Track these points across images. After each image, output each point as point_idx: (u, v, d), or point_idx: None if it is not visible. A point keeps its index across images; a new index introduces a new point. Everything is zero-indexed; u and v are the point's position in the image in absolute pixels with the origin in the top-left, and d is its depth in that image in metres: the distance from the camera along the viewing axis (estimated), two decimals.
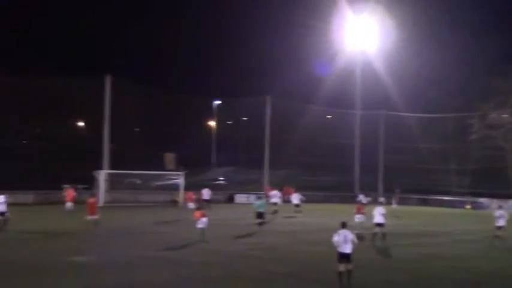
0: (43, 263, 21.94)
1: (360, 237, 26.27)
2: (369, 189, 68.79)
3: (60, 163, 60.03)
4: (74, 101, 61.55)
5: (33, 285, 18.48)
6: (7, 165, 54.50)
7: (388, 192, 67.67)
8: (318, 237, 30.90)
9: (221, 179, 78.85)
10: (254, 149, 71.28)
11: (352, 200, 56.69)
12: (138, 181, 65.06)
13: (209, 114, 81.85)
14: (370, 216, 31.79)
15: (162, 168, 65.75)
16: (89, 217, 32.69)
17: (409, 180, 68.69)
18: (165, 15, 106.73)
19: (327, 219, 43.01)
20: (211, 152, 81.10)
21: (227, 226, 36.46)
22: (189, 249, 26.38)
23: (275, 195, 48.16)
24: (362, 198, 46.90)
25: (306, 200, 50.29)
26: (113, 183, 58.19)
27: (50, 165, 59.74)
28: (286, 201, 49.94)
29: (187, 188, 55.80)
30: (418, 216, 50.60)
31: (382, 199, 52.53)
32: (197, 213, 30.23)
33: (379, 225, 30.21)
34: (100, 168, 56.80)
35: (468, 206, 64.81)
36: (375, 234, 30.11)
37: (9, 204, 32.46)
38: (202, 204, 44.82)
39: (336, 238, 19.03)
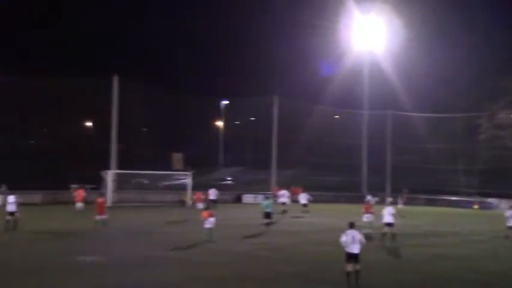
0: (52, 263, 21.99)
1: (368, 237, 26.24)
2: (377, 189, 68.66)
3: (68, 163, 60.18)
4: (82, 101, 61.59)
5: (42, 284, 18.51)
6: (15, 165, 54.69)
7: (396, 193, 67.40)
8: (326, 238, 30.85)
9: (228, 179, 78.83)
10: (261, 149, 71.26)
11: (360, 200, 56.56)
12: (146, 181, 65.16)
13: (217, 114, 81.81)
14: (379, 216, 31.68)
15: (169, 168, 65.65)
16: (98, 217, 32.81)
17: (417, 180, 68.44)
18: (172, 15, 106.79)
19: (335, 219, 42.95)
20: (218, 152, 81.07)
21: (234, 226, 36.44)
22: (197, 249, 26.38)
23: (284, 195, 48.12)
24: (370, 198, 46.78)
25: (314, 200, 50.23)
26: (121, 183, 58.32)
27: (58, 165, 59.88)
28: (294, 201, 49.90)
29: (195, 188, 55.86)
30: (426, 217, 50.47)
31: (390, 199, 52.23)
32: (204, 213, 30.22)
33: (388, 225, 30.09)
34: (108, 168, 56.95)
35: (476, 206, 64.63)
36: (384, 234, 30.00)
37: (18, 204, 32.51)
38: (209, 204, 44.84)
39: (343, 238, 18.99)
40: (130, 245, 27.17)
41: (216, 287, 19.06)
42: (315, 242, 30.38)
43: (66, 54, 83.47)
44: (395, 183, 72.28)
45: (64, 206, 47.87)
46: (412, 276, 21.33)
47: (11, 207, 31.85)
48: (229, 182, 77.54)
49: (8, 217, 31.57)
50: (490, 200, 64.75)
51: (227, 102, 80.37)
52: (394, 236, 29.62)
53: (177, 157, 68.73)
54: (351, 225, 19.43)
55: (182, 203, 54.44)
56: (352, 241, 18.85)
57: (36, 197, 51.65)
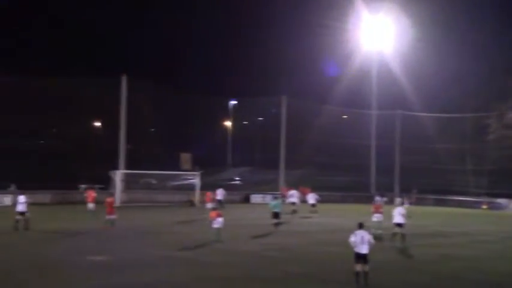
0: (61, 262, 22.09)
1: (378, 237, 26.19)
2: (385, 189, 68.52)
3: (77, 163, 60.41)
4: (91, 101, 61.79)
5: (50, 284, 18.59)
6: (25, 165, 55.01)
7: (405, 193, 67.30)
8: (334, 238, 30.84)
9: (237, 179, 78.86)
10: (270, 149, 71.27)
11: (368, 200, 56.47)
12: (154, 181, 65.25)
13: (225, 114, 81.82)
14: (388, 216, 31.57)
15: (177, 168, 65.78)
16: (108, 217, 32.95)
17: (425, 181, 68.38)
18: (181, 15, 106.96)
19: (343, 219, 42.98)
20: (227, 152, 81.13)
21: (243, 226, 36.45)
22: (205, 249, 26.41)
23: (293, 195, 48.03)
24: (378, 199, 46.64)
25: (322, 200, 50.19)
26: (129, 183, 58.45)
27: (67, 165, 60.18)
28: (302, 201, 49.87)
29: (203, 188, 55.89)
30: (435, 217, 50.32)
31: (399, 199, 52.17)
32: (213, 213, 30.27)
33: (398, 225, 29.97)
34: (116, 168, 57.08)
35: (485, 206, 64.43)
36: (394, 234, 29.92)
37: (29, 204, 32.61)
38: (218, 204, 44.88)
39: (352, 239, 18.99)
40: (138, 245, 27.23)
41: (224, 287, 19.09)
42: (323, 242, 30.35)
43: (74, 54, 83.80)
44: (404, 184, 72.20)
45: (73, 206, 48.06)
46: (420, 276, 21.28)
47: (21, 207, 31.95)
48: (237, 182, 77.56)
49: (18, 217, 31.68)
50: (499, 200, 64.49)
51: (235, 102, 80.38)
52: (403, 236, 29.51)
53: (186, 157, 68.82)
54: (360, 226, 19.42)
55: (191, 203, 54.52)
56: (361, 241, 18.85)
57: (46, 196, 51.81)
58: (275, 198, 40.40)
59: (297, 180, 64.55)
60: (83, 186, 58.32)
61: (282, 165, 69.81)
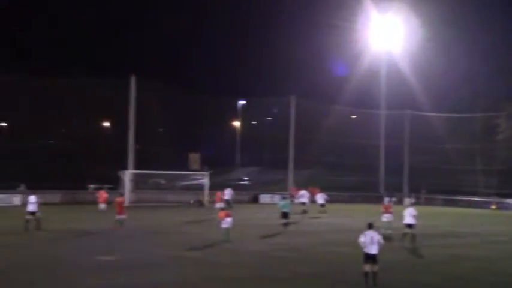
0: (70, 262, 22.11)
1: (388, 237, 26.07)
2: (394, 189, 68.37)
3: (86, 163, 60.58)
4: (100, 102, 61.91)
5: (58, 283, 18.60)
6: (34, 165, 55.21)
7: (413, 193, 67.14)
8: (343, 238, 30.73)
9: (245, 179, 78.85)
10: (278, 149, 71.24)
11: (377, 200, 56.35)
12: (163, 181, 65.30)
13: (233, 114, 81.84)
14: (399, 217, 31.41)
15: (186, 168, 65.87)
16: (117, 216, 32.99)
17: (434, 181, 68.18)
18: (190, 15, 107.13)
19: (352, 219, 42.93)
20: (235, 152, 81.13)
21: (251, 226, 36.41)
22: (213, 249, 26.38)
23: (303, 195, 47.91)
24: (387, 199, 46.40)
25: (331, 200, 50.09)
26: (138, 183, 58.54)
27: (76, 165, 60.35)
28: (311, 201, 49.78)
29: (212, 188, 55.91)
30: (445, 217, 50.14)
31: (408, 199, 52.00)
32: (221, 214, 30.26)
33: (409, 226, 29.81)
34: (125, 168, 57.17)
35: (494, 207, 64.17)
36: (404, 234, 29.78)
37: (39, 204, 32.61)
38: (227, 204, 44.88)
39: (362, 239, 18.91)
40: (147, 245, 27.22)
41: (233, 287, 19.05)
42: (332, 242, 30.26)
43: (84, 54, 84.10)
44: (413, 184, 72.04)
45: (82, 206, 48.20)
46: (430, 277, 21.16)
47: (32, 207, 31.97)
48: (246, 182, 77.54)
49: (28, 216, 31.70)
50: (508, 200, 64.21)
51: (244, 102, 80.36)
52: (413, 237, 29.36)
53: (194, 157, 68.94)
54: (370, 226, 19.33)
55: (199, 203, 54.56)
56: (370, 242, 18.76)
57: (55, 196, 51.87)
58: (284, 198, 40.30)
59: (305, 180, 64.49)
60: (91, 186, 58.51)
61: (290, 165, 69.76)
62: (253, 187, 72.12)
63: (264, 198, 63.85)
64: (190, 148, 70.61)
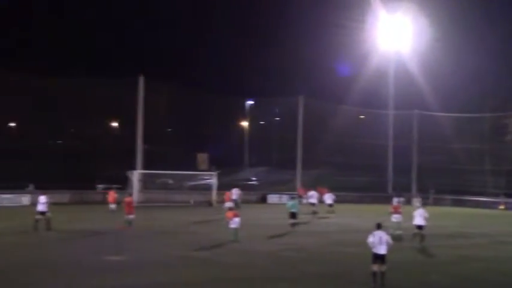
0: (78, 262, 22.16)
1: (397, 237, 25.97)
2: (402, 189, 68.18)
3: (94, 163, 60.75)
4: (108, 102, 62.05)
5: (65, 284, 18.63)
6: (43, 165, 55.40)
7: (422, 193, 66.89)
8: (351, 238, 30.70)
9: (253, 179, 78.80)
10: (287, 149, 71.20)
11: (385, 200, 56.23)
12: (170, 181, 65.35)
13: (242, 114, 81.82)
14: (409, 217, 31.29)
15: (194, 168, 65.95)
16: (127, 216, 33.04)
17: (443, 181, 67.95)
18: (197, 15, 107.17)
19: (360, 219, 42.86)
20: (243, 152, 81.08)
21: (260, 226, 36.39)
22: (222, 249, 26.40)
23: (313, 196, 47.83)
24: (396, 200, 46.27)
25: (339, 200, 50.03)
26: (146, 183, 58.63)
27: (84, 165, 60.54)
28: (320, 201, 49.72)
29: (220, 188, 55.94)
30: (453, 217, 49.93)
31: (417, 199, 51.84)
32: (229, 214, 30.29)
33: (419, 227, 29.68)
34: (133, 168, 57.25)
35: (502, 207, 63.87)
36: (414, 235, 29.70)
37: (49, 205, 32.67)
38: (236, 204, 44.91)
39: (371, 239, 18.89)
40: (155, 245, 27.25)
41: (241, 287, 19.05)
42: (340, 242, 30.23)
43: (92, 55, 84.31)
44: (422, 184, 71.83)
45: (91, 206, 48.29)
46: (440, 277, 21.09)
47: (41, 207, 32.05)
48: (254, 182, 77.51)
49: (38, 216, 31.80)
50: None
51: (252, 102, 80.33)
52: (422, 237, 29.28)
53: (202, 157, 69.05)
54: (378, 226, 19.31)
55: (208, 203, 54.63)
56: (379, 242, 18.74)
57: (64, 196, 51.98)
58: (292, 198, 40.33)
59: (313, 180, 64.41)
60: (100, 186, 58.64)
61: (298, 165, 69.70)
62: (262, 187, 72.06)
63: (272, 198, 63.80)
64: (198, 148, 70.72)
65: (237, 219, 29.13)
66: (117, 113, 70.87)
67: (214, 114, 70.09)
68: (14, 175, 53.09)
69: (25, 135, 65.05)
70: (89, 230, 32.40)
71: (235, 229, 28.85)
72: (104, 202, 44.73)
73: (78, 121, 68.39)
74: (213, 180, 57.96)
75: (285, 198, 55.61)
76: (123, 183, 54.87)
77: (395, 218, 33.32)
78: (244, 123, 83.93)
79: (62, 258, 22.97)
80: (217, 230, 32.37)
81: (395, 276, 19.40)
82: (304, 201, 48.96)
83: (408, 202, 54.59)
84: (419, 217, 29.78)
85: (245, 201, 53.03)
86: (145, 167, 59.28)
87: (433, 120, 73.24)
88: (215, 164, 63.72)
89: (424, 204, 36.59)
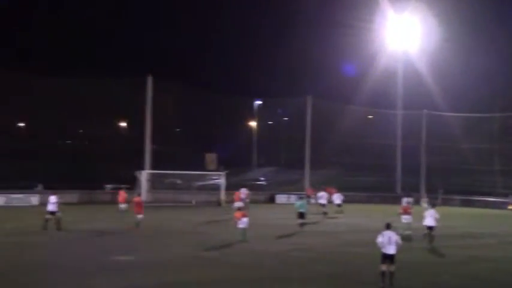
0: (87, 262, 22.20)
1: (406, 238, 25.88)
2: (411, 189, 67.95)
3: (103, 163, 60.88)
4: (116, 102, 62.20)
5: (72, 284, 18.70)
6: (52, 165, 55.59)
7: (431, 194, 66.68)
8: (360, 238, 30.68)
9: (262, 179, 78.76)
10: (295, 149, 71.20)
11: (394, 200, 56.10)
12: (179, 181, 65.39)
13: (250, 114, 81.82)
14: (419, 218, 31.18)
15: (203, 168, 65.96)
16: (136, 216, 33.08)
17: (452, 181, 67.72)
18: (206, 15, 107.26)
19: (369, 219, 42.79)
20: (252, 153, 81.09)
21: (268, 226, 36.39)
22: (230, 249, 26.41)
23: (322, 197, 47.73)
24: (405, 200, 46.14)
25: (348, 200, 49.98)
26: (154, 183, 58.71)
27: (93, 165, 60.69)
28: (329, 201, 49.66)
29: (228, 188, 55.97)
30: (462, 218, 49.76)
31: (425, 200, 51.71)
32: (238, 214, 30.31)
33: (429, 228, 29.57)
34: (142, 168, 57.34)
35: (511, 207, 63.56)
36: (425, 235, 29.61)
37: (59, 205, 32.73)
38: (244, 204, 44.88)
39: (380, 239, 18.86)
40: (164, 245, 27.28)
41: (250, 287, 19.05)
42: (349, 242, 30.22)
43: (101, 55, 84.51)
44: (430, 184, 71.58)
45: (100, 206, 48.38)
46: (449, 278, 21.03)
47: (51, 207, 32.12)
48: (262, 182, 77.48)
49: (48, 216, 31.88)
50: None
51: (260, 102, 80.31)
52: (432, 238, 29.18)
53: (211, 157, 69.02)
54: (388, 226, 19.28)
55: (217, 202, 54.68)
56: (388, 242, 18.72)
57: (73, 196, 52.07)
58: (300, 198, 40.28)
59: (322, 180, 64.33)
60: (108, 186, 58.75)
61: (307, 165, 69.62)
62: (270, 187, 72.05)
63: (281, 198, 63.76)
64: (207, 148, 70.71)
65: (245, 219, 29.14)
66: (125, 113, 71.03)
67: (222, 114, 70.15)
68: (23, 175, 53.34)
69: (34, 136, 65.27)
70: (97, 230, 32.44)
71: (244, 229, 28.86)
72: (113, 202, 44.80)
73: (86, 121, 68.58)
74: (222, 181, 58.00)
75: (293, 198, 55.51)
76: (131, 183, 54.99)
77: (405, 219, 33.22)
78: (253, 123, 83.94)
79: (70, 258, 23.03)
80: (226, 230, 32.38)
81: (404, 276, 19.36)
82: (313, 201, 48.88)
83: (417, 202, 54.44)
84: (430, 218, 29.66)
85: (253, 201, 52.98)
86: (153, 167, 59.36)
87: (442, 120, 73.00)
88: (223, 164, 63.70)
89: (433, 204, 36.34)
